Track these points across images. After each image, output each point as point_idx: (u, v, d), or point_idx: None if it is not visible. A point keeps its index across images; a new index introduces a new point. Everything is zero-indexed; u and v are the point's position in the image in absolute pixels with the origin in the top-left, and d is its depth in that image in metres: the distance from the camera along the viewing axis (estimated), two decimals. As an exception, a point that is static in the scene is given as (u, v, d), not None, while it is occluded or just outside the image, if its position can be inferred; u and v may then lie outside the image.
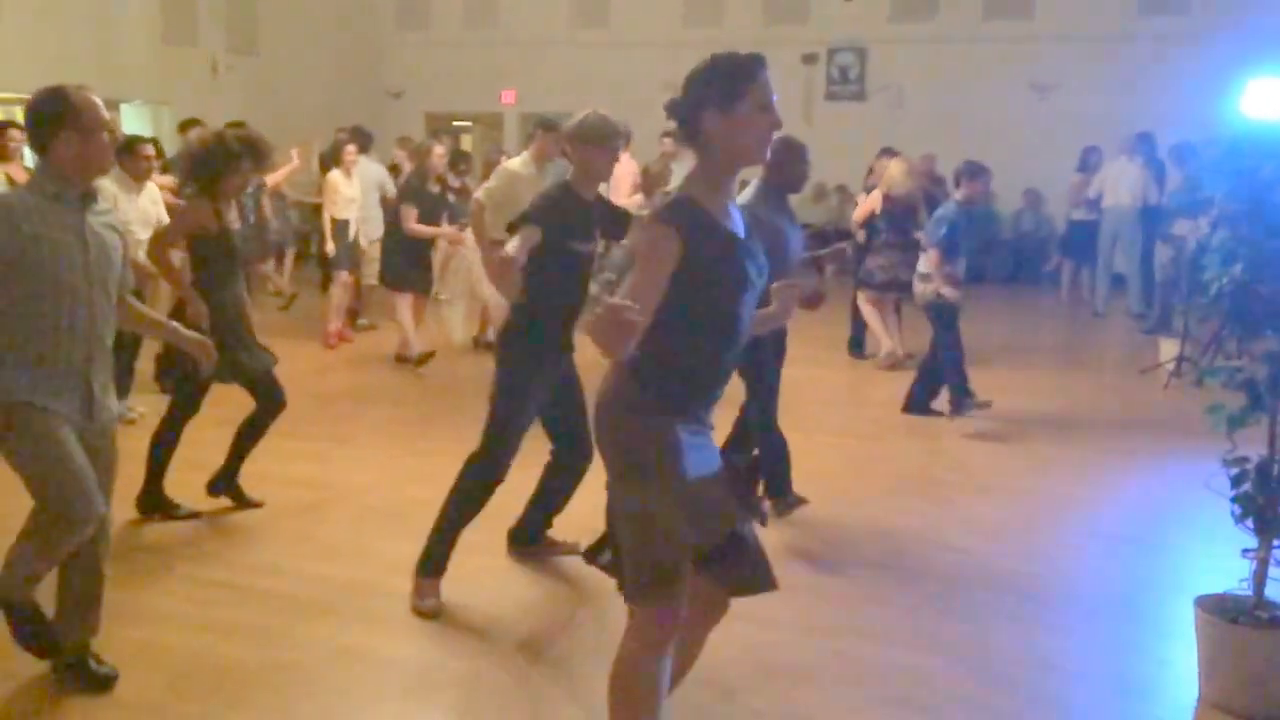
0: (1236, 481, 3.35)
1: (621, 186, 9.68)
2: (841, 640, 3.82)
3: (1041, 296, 13.53)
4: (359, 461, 6.00)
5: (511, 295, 4.32)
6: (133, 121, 14.93)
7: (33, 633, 3.33)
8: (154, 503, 4.95)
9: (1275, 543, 3.43)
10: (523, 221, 4.08)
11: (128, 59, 14.00)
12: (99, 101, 3.22)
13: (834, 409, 7.52)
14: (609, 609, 4.13)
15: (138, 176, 6.58)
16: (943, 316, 6.91)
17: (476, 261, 8.61)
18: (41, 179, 3.18)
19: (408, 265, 8.51)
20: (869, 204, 8.82)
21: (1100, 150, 12.25)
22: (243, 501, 5.13)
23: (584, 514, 4.23)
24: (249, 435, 5.07)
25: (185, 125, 10.06)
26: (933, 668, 3.67)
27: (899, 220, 8.58)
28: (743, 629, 3.41)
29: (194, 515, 4.98)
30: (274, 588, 4.27)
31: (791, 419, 5.38)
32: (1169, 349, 8.63)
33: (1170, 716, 3.45)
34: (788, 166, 4.98)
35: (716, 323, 2.61)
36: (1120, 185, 11.35)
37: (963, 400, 6.90)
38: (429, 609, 4.04)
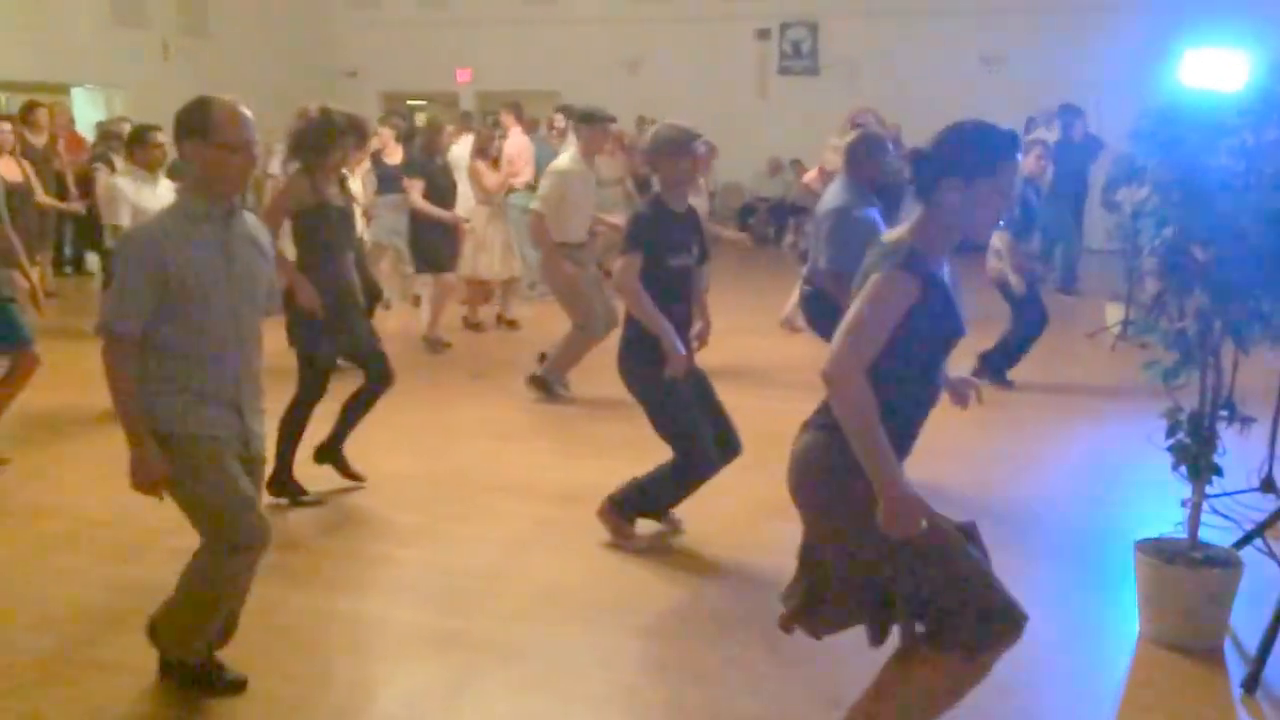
0: (1171, 431, 3.58)
1: (517, 163, 9.75)
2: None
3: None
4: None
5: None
6: (84, 106, 14.80)
7: (226, 683, 3.30)
8: (281, 488, 4.94)
9: (1208, 489, 3.69)
10: (625, 251, 4.31)
11: (76, 41, 13.87)
12: (248, 119, 3.04)
13: (785, 374, 7.73)
14: (619, 574, 4.33)
15: (150, 166, 6.37)
16: (1011, 293, 7.11)
17: (482, 236, 8.77)
18: (184, 197, 3.09)
19: (445, 245, 8.39)
20: (807, 180, 9.26)
21: (1037, 120, 12.55)
22: (348, 473, 5.19)
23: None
24: (355, 409, 5.11)
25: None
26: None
27: None
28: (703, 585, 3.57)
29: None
30: (264, 558, 4.39)
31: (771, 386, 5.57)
32: (1114, 313, 8.93)
33: (1113, 653, 3.70)
34: (870, 160, 5.18)
35: (929, 372, 2.60)
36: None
37: (995, 373, 7.17)
38: (636, 547, 4.47)
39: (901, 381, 2.52)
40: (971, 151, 2.51)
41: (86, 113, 14.54)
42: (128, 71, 14.57)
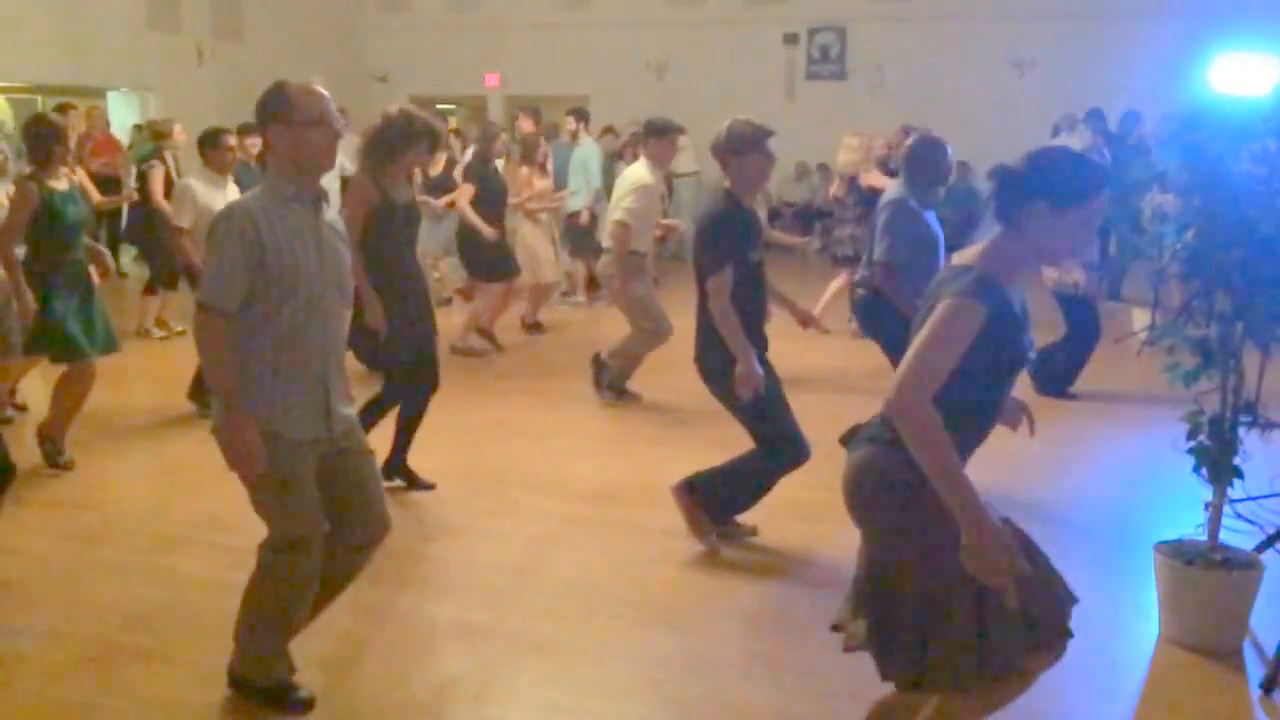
0: (1192, 434, 3.61)
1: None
2: (827, 591, 4.09)
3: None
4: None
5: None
6: (119, 109, 15.03)
7: (293, 705, 3.28)
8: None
9: (1233, 494, 3.71)
10: (718, 268, 4.23)
11: (111, 46, 14.06)
12: (323, 94, 3.06)
13: (816, 375, 7.77)
14: (644, 570, 4.39)
15: (222, 169, 6.44)
16: (1067, 302, 7.07)
17: (535, 243, 8.85)
18: (274, 180, 3.06)
19: (494, 254, 8.38)
20: (833, 194, 9.49)
21: (1061, 126, 12.49)
22: (417, 484, 5.23)
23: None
24: (412, 417, 5.15)
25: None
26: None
27: (862, 195, 9.01)
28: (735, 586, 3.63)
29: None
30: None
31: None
32: (1141, 318, 8.93)
33: (1133, 652, 3.73)
34: (925, 163, 5.17)
35: (990, 398, 2.57)
36: None
37: (1059, 387, 7.15)
38: (708, 545, 4.47)
39: (961, 406, 2.47)
40: (1067, 179, 2.45)
41: (121, 116, 14.78)
42: (162, 75, 14.76)
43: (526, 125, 10.72)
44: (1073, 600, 2.66)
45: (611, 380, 7.11)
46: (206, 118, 6.98)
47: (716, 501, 4.53)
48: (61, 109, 10.38)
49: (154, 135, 9.60)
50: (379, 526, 3.33)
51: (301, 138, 3.00)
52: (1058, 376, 7.25)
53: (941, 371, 2.38)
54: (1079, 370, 7.32)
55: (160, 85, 14.77)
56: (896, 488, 2.49)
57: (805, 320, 4.89)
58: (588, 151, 10.52)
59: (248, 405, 2.99)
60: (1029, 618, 2.51)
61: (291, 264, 2.98)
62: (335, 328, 3.17)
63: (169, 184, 8.80)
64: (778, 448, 4.42)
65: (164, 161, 8.98)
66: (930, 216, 5.18)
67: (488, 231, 8.22)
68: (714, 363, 4.39)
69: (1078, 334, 7.25)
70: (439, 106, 18.64)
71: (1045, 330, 7.10)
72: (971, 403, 2.51)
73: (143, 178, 8.99)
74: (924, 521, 2.45)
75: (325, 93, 3.07)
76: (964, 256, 2.56)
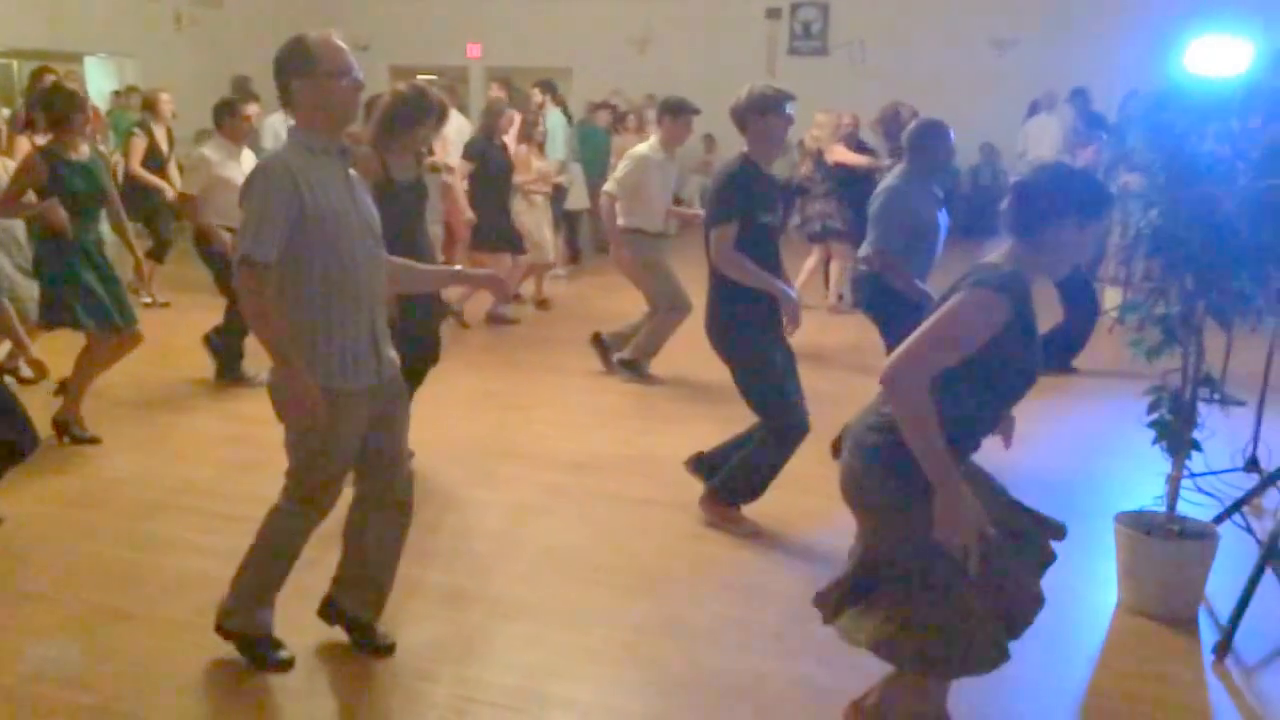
0: (1153, 407, 3.72)
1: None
2: (803, 561, 4.20)
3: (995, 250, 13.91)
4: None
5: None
6: (97, 75, 14.90)
7: (274, 662, 3.36)
8: None
9: (1196, 468, 3.83)
10: (725, 220, 4.26)
11: (89, 11, 13.94)
12: (343, 46, 3.03)
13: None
14: (624, 539, 4.47)
15: (236, 138, 6.49)
16: (1061, 284, 7.06)
17: (532, 225, 8.81)
18: (301, 134, 3.06)
19: (496, 227, 8.30)
20: (804, 174, 9.60)
21: (1041, 104, 12.54)
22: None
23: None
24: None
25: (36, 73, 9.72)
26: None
27: (828, 171, 9.10)
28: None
29: None
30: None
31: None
32: (1113, 297, 9.05)
33: (1091, 620, 3.85)
34: (931, 149, 5.09)
35: (1005, 394, 2.62)
36: (1041, 141, 11.64)
37: (1060, 361, 7.19)
38: (745, 531, 4.46)
39: (966, 405, 2.53)
40: (1088, 196, 2.56)
41: (99, 82, 14.65)
42: (140, 41, 14.65)
43: (497, 94, 10.66)
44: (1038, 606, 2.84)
45: (633, 355, 7.05)
46: (185, 85, 6.97)
47: (737, 493, 4.53)
48: (39, 74, 10.27)
49: (145, 105, 9.57)
50: (408, 477, 3.40)
51: (326, 89, 3.00)
52: (1057, 351, 7.32)
53: (944, 359, 2.45)
54: (1080, 348, 7.46)
55: (139, 51, 14.65)
56: (896, 479, 2.55)
57: (790, 325, 4.67)
58: (554, 123, 10.55)
59: (300, 358, 2.99)
60: (1009, 620, 2.69)
61: (330, 210, 2.99)
62: (376, 273, 3.17)
63: (152, 154, 8.77)
64: (778, 422, 4.40)
65: (149, 133, 8.93)
66: (930, 203, 5.11)
67: (466, 218, 8.23)
68: (721, 331, 4.42)
69: (1075, 314, 7.36)
70: (420, 76, 18.57)
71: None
72: (980, 402, 2.58)
73: (127, 141, 8.96)
74: (925, 513, 2.50)
75: (344, 44, 3.07)
76: (989, 259, 2.62)
